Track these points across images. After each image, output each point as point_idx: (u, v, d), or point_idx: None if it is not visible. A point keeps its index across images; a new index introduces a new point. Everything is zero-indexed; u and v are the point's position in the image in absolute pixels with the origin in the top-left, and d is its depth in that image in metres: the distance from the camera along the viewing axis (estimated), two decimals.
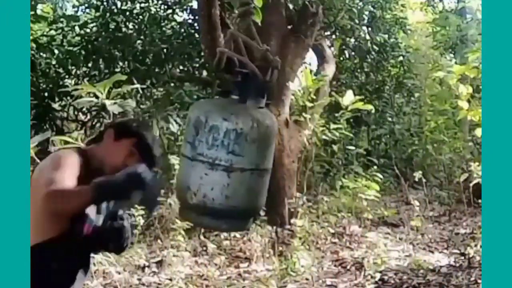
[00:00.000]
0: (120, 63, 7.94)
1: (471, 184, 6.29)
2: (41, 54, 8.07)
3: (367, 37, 9.05)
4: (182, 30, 8.11)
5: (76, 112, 8.25)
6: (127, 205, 2.17)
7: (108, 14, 7.89)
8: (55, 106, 8.01)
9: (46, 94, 7.80)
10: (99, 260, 4.41)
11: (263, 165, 2.17)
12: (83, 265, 2.17)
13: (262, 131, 2.14)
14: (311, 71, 6.97)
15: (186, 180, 2.13)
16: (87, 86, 3.96)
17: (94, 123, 7.86)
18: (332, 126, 6.39)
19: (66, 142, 3.93)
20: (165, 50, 7.68)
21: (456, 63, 10.06)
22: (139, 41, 7.86)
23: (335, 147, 6.81)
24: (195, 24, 7.87)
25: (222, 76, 2.23)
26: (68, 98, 7.65)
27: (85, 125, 7.99)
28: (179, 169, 2.23)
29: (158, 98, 7.62)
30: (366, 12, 9.16)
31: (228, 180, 2.08)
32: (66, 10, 9.62)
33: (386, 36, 9.20)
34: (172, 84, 7.60)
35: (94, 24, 8.11)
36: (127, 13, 8.02)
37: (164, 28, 8.07)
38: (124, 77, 4.14)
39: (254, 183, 2.16)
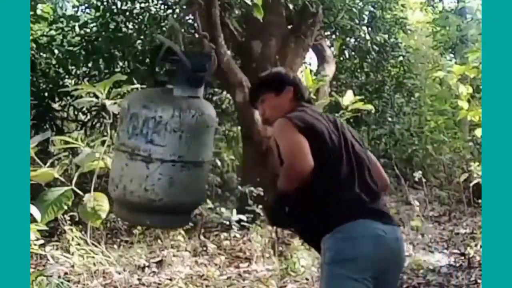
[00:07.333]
0: (120, 63, 7.93)
1: (471, 184, 6.29)
2: (41, 54, 8.06)
3: (367, 37, 9.04)
4: (182, 30, 8.09)
5: (76, 112, 8.24)
6: None
7: (108, 14, 7.88)
8: (55, 106, 8.01)
9: (46, 94, 7.79)
10: (99, 260, 4.41)
11: (188, 157, 2.01)
12: None
13: (186, 121, 1.99)
14: (311, 71, 6.96)
15: (111, 172, 2.03)
16: (87, 86, 3.96)
17: (94, 123, 7.86)
18: None
19: (66, 142, 3.93)
20: None
21: (456, 63, 10.07)
22: (139, 41, 7.85)
23: None
24: (195, 24, 7.86)
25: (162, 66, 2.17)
26: (68, 98, 7.65)
27: (85, 125, 7.99)
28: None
29: None
30: (366, 12, 9.16)
31: (147, 171, 1.94)
32: (66, 10, 9.60)
33: (386, 36, 9.19)
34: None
35: (94, 24, 8.10)
36: (127, 13, 8.01)
37: (164, 28, 8.06)
38: (124, 77, 4.13)
39: (177, 176, 1.99)
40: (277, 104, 2.30)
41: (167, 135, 1.95)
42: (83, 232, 4.51)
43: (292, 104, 2.30)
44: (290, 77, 2.42)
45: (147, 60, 7.75)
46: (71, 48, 8.03)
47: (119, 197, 1.97)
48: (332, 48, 8.90)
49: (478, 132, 5.01)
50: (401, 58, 9.81)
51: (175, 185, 1.98)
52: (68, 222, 4.57)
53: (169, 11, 8.27)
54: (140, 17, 8.05)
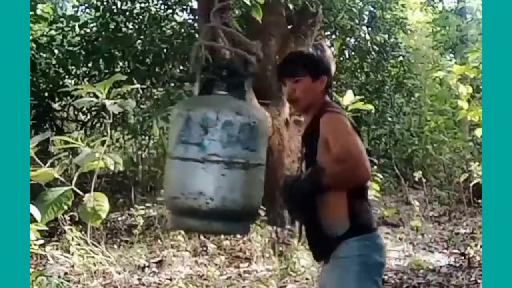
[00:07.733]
0: (120, 63, 7.93)
1: (471, 184, 6.30)
2: (41, 54, 8.07)
3: (367, 37, 9.05)
4: (182, 30, 8.10)
5: (76, 112, 8.25)
6: None
7: (108, 14, 7.89)
8: (55, 106, 8.02)
9: (46, 94, 7.80)
10: (99, 260, 4.41)
11: (265, 161, 2.06)
12: None
13: (266, 125, 2.08)
14: None
15: (195, 186, 1.91)
16: (87, 86, 3.96)
17: (94, 123, 7.86)
18: None
19: (66, 142, 3.93)
20: (165, 50, 7.68)
21: (456, 63, 10.07)
22: (139, 41, 7.85)
23: None
24: (195, 24, 7.86)
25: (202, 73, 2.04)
26: (68, 98, 7.66)
27: (85, 125, 7.99)
28: (176, 176, 1.99)
29: (158, 98, 7.62)
30: (366, 12, 9.16)
31: (247, 177, 1.94)
32: (66, 10, 9.62)
33: (386, 36, 9.20)
34: (172, 84, 7.60)
35: (94, 24, 8.11)
36: (127, 13, 8.01)
37: (164, 28, 8.07)
38: (124, 77, 4.13)
39: (261, 180, 2.03)
40: (310, 90, 2.26)
41: (258, 140, 1.98)
42: (83, 232, 4.51)
43: (322, 95, 2.28)
44: (327, 67, 2.38)
45: (147, 60, 7.76)
46: (71, 48, 8.03)
47: (216, 209, 1.90)
48: (332, 48, 8.89)
49: (478, 132, 5.01)
50: (401, 58, 9.82)
51: (259, 190, 2.02)
52: (68, 222, 4.58)
53: (169, 11, 8.27)
54: (140, 17, 8.05)
